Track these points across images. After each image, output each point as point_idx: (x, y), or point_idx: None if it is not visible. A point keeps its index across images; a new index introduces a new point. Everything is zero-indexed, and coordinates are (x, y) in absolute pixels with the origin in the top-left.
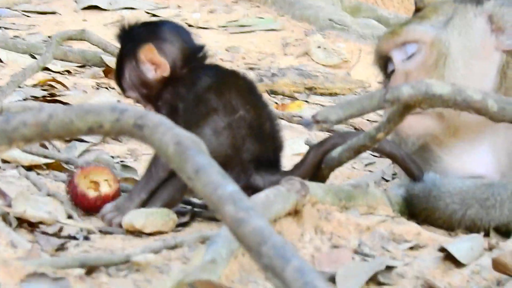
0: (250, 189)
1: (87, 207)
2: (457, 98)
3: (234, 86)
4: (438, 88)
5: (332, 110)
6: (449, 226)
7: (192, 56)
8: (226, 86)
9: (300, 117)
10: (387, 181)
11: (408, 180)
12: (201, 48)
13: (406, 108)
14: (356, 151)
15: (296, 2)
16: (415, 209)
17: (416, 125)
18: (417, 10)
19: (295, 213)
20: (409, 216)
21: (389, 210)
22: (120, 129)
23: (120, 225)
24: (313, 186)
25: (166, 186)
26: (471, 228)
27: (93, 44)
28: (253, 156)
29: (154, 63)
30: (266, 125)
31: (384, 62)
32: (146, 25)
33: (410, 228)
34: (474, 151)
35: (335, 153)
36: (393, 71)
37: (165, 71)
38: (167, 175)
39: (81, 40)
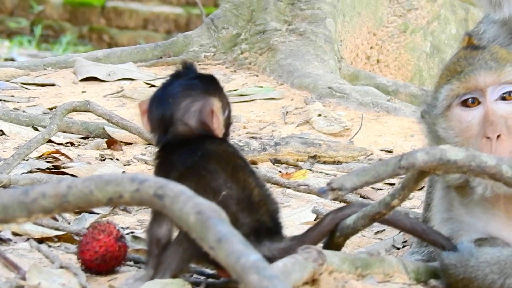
0: None
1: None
2: (471, 163)
3: (211, 166)
4: (452, 154)
5: (347, 178)
6: None
7: (167, 129)
8: (202, 169)
9: (307, 185)
10: (398, 249)
11: (419, 247)
12: (181, 121)
13: (421, 174)
14: (371, 219)
15: (294, 70)
16: (451, 279)
17: None
18: (473, 46)
19: (313, 281)
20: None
21: (405, 277)
22: (140, 199)
23: None
24: (329, 254)
25: (172, 255)
26: None
27: (98, 115)
28: (251, 229)
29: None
30: (254, 193)
31: (466, 91)
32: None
33: None
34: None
35: (350, 220)
36: (467, 99)
37: (147, 129)
38: (165, 238)
39: (85, 111)
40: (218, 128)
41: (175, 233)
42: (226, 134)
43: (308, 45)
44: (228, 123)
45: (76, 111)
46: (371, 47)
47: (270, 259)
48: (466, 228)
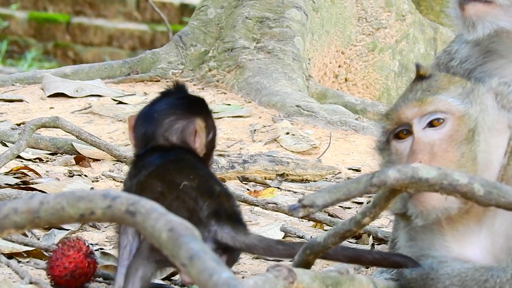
0: (219, 248)
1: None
2: (443, 182)
3: (179, 165)
4: (424, 172)
5: (318, 195)
6: None
7: (148, 144)
8: (169, 168)
9: (275, 203)
10: (367, 267)
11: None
12: (160, 134)
13: (392, 192)
14: (342, 237)
15: (262, 88)
16: None
17: (443, 199)
18: (420, 77)
19: None
20: None
21: None
22: (112, 216)
23: None
24: (299, 272)
25: (136, 263)
26: None
27: (67, 132)
28: (210, 211)
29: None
30: (215, 186)
31: (395, 127)
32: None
33: None
34: (475, 230)
35: (320, 238)
36: (400, 131)
37: (132, 144)
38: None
39: (54, 127)
40: (199, 148)
41: None
42: (208, 156)
43: (277, 63)
44: (211, 146)
45: (45, 127)
46: (339, 66)
47: (231, 249)
48: (427, 254)
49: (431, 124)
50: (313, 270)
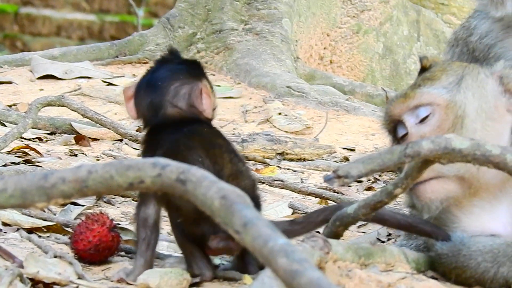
0: None
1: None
2: (476, 153)
3: (191, 143)
4: (457, 143)
5: (353, 165)
6: (481, 284)
7: (157, 113)
8: (182, 146)
9: (281, 181)
10: (382, 242)
11: (407, 240)
12: (170, 104)
13: (425, 163)
14: (373, 208)
15: (252, 69)
16: (445, 268)
17: (439, 189)
18: (423, 69)
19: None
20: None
21: (407, 267)
22: (162, 184)
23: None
24: (334, 243)
25: None
26: (503, 287)
27: (72, 110)
28: None
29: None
30: (226, 168)
31: (394, 126)
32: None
33: (430, 285)
34: (492, 210)
35: (351, 209)
36: (404, 135)
37: (132, 115)
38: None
39: (59, 106)
40: (208, 109)
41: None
42: (213, 117)
43: (265, 44)
44: (214, 107)
45: (51, 105)
46: (324, 48)
47: None
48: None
49: (421, 118)
50: (344, 241)
